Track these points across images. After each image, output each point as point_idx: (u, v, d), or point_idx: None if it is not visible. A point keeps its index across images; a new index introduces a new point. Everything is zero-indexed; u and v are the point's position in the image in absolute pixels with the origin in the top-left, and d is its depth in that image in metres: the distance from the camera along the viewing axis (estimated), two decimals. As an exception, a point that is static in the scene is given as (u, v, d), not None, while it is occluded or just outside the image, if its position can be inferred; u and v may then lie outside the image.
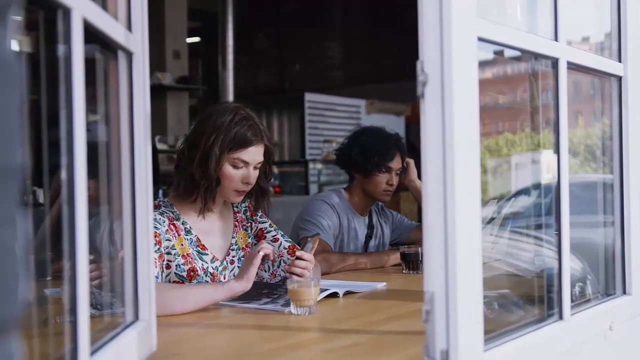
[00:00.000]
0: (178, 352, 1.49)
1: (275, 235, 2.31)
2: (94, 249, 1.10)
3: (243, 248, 2.28)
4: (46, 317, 1.30)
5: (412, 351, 1.43)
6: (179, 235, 2.12)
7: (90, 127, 1.05)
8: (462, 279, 1.12)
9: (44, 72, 1.08)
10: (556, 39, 1.47)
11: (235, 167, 2.11)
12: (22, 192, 0.56)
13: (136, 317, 1.33)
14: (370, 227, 3.09)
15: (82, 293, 0.98)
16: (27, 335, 0.91)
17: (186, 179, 2.12)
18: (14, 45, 0.56)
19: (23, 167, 0.56)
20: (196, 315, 1.82)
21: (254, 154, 2.12)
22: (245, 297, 2.03)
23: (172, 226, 2.11)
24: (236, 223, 2.29)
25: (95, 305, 1.26)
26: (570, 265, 1.51)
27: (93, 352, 1.06)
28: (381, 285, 2.30)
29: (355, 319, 1.82)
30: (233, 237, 2.26)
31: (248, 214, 2.33)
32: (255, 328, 1.72)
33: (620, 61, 1.75)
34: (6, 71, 0.53)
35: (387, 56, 8.89)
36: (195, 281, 2.10)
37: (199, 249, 2.15)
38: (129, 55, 1.30)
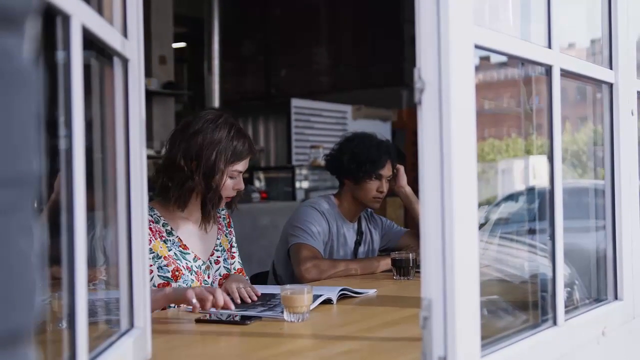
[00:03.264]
0: (173, 359, 1.48)
1: (235, 253, 2.44)
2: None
3: (227, 250, 2.38)
4: (40, 325, 1.29)
5: (407, 357, 1.43)
6: (160, 237, 2.18)
7: (85, 133, 1.04)
8: (460, 286, 1.12)
9: (40, 77, 1.07)
10: (549, 46, 1.48)
11: (231, 177, 2.23)
12: (35, 200, 0.56)
13: (131, 324, 1.32)
14: (360, 233, 3.09)
15: (81, 302, 0.97)
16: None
17: (187, 191, 2.18)
18: (30, 55, 0.55)
19: (38, 176, 0.56)
20: (191, 323, 1.81)
21: (247, 163, 2.27)
22: (242, 306, 2.02)
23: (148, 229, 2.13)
24: (219, 226, 2.39)
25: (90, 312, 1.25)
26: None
27: (90, 361, 1.05)
28: (372, 292, 2.29)
29: (349, 325, 1.82)
30: (218, 239, 2.35)
31: (225, 222, 2.43)
32: (249, 335, 1.71)
33: (611, 68, 1.77)
34: (23, 81, 0.53)
35: (374, 62, 8.91)
36: (181, 280, 2.16)
37: (180, 249, 2.21)
38: (125, 61, 1.30)
